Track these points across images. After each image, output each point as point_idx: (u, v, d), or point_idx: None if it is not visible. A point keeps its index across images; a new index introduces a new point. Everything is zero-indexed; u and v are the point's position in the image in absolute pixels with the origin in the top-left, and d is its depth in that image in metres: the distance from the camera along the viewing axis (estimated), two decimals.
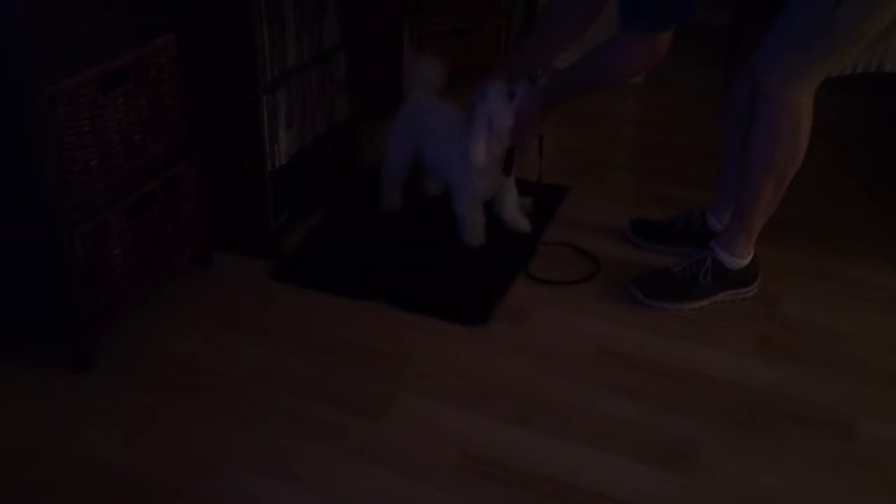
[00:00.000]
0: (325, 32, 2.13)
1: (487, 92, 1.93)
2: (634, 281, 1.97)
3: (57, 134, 1.45)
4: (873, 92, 3.29)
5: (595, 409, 1.63)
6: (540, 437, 1.56)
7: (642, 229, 2.22)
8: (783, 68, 1.72)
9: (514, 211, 2.18)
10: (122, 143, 1.61)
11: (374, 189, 2.32)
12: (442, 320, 1.88)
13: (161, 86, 1.69)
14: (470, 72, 3.27)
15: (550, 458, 1.51)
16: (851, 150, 2.83)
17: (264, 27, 1.83)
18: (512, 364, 1.75)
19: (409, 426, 1.58)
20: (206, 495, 1.41)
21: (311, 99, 2.13)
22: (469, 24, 3.20)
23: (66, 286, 1.56)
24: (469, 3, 3.16)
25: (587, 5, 1.93)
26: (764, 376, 1.73)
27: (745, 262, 1.94)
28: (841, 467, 1.51)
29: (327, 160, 2.29)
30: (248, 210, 2.02)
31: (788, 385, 1.71)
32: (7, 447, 1.50)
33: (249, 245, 2.05)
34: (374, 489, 1.43)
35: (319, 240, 2.17)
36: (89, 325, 1.65)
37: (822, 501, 1.44)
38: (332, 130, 2.27)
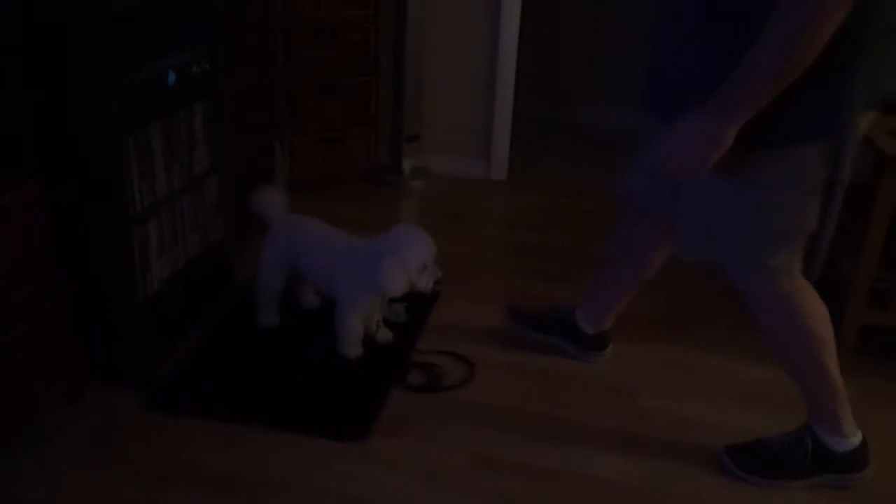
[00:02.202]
0: (196, 159, 2.19)
1: (417, 244, 2.05)
2: (728, 451, 1.89)
3: None
4: None
5: None
6: None
7: (516, 315, 2.34)
8: (748, 265, 1.66)
9: (374, 324, 2.28)
10: None
11: (250, 306, 2.35)
12: (322, 438, 1.92)
13: (27, 230, 1.69)
14: (341, 175, 3.43)
15: None
16: None
17: (133, 164, 1.87)
18: (393, 479, 1.81)
19: None
20: None
21: (184, 224, 2.17)
22: (338, 133, 3.34)
23: None
24: (336, 112, 3.30)
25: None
26: (623, 472, 1.87)
27: (852, 441, 1.82)
28: None
29: (202, 281, 2.31)
30: (121, 341, 2.01)
31: (651, 482, 1.85)
32: None
33: (122, 376, 2.04)
34: None
35: (195, 363, 2.17)
36: None
37: None
38: (205, 251, 2.30)
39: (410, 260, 2.02)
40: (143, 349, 2.03)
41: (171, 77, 1.98)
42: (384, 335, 2.30)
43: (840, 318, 2.38)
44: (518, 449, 1.93)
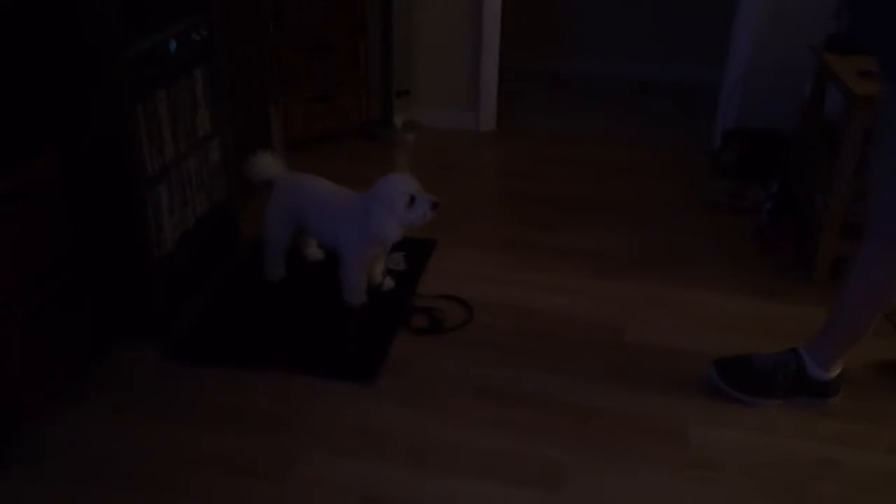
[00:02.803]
0: (199, 123, 2.29)
1: (396, 185, 2.16)
2: (716, 363, 2.03)
3: None
4: (685, 132, 3.78)
5: (477, 446, 1.87)
6: (431, 477, 1.78)
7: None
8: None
9: (380, 274, 2.41)
10: (13, 255, 1.72)
11: (257, 261, 2.48)
12: (334, 380, 2.07)
13: (47, 199, 1.80)
14: (335, 132, 3.53)
15: (442, 495, 1.73)
16: (675, 182, 3.26)
17: (142, 130, 1.98)
18: (401, 414, 1.97)
19: (311, 482, 1.75)
20: None
21: (191, 185, 2.28)
22: (329, 91, 3.43)
23: None
24: (327, 71, 3.38)
25: None
26: (610, 398, 2.03)
27: (832, 374, 1.96)
28: (683, 469, 1.81)
29: (211, 239, 2.43)
30: (140, 298, 2.14)
31: (635, 406, 2.01)
32: None
33: (144, 331, 2.17)
34: None
35: (209, 316, 2.31)
36: None
37: (669, 497, 1.73)
38: (212, 211, 2.42)
39: (395, 201, 2.14)
40: (161, 305, 2.16)
41: (173, 45, 2.08)
42: (388, 284, 2.44)
43: (814, 251, 2.54)
44: (515, 383, 2.08)
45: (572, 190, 3.21)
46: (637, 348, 2.23)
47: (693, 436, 1.91)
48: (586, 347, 2.23)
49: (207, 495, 1.72)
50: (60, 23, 1.81)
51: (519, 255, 2.70)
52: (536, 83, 4.47)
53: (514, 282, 2.54)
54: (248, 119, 2.90)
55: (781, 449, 1.88)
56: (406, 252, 2.61)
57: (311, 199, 2.35)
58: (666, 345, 2.25)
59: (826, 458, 1.86)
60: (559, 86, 4.48)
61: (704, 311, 2.40)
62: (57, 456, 1.82)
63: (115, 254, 2.07)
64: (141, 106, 1.97)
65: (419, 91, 3.69)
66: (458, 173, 3.35)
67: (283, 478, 1.77)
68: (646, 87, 4.42)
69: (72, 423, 1.91)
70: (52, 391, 1.91)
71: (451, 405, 2.00)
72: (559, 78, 4.57)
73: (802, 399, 2.00)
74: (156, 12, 2.02)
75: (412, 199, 2.15)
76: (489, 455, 1.84)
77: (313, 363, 2.13)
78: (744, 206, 3.01)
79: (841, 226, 2.46)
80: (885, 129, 1.72)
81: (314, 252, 2.57)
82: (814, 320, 2.23)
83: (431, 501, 1.71)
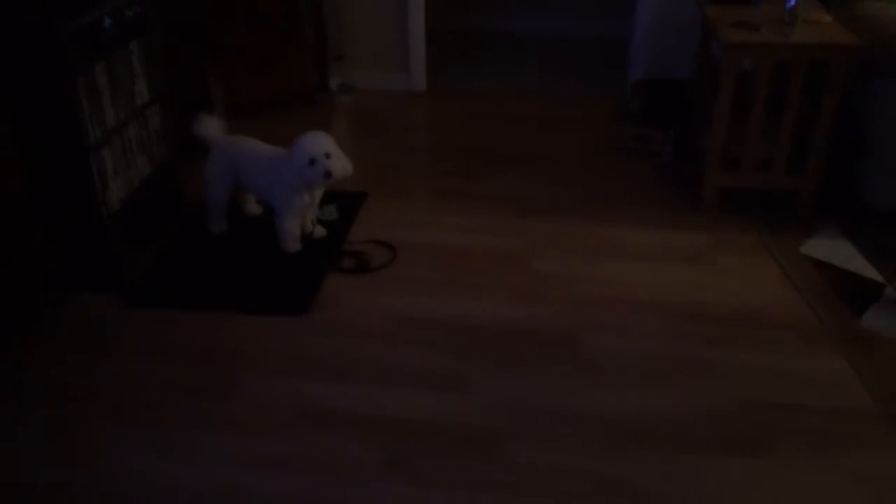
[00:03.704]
0: (137, 92, 2.51)
1: (302, 144, 2.41)
2: None
3: None
4: (602, 85, 4.07)
5: (396, 361, 2.15)
6: (358, 388, 2.06)
7: None
8: None
9: (312, 223, 2.67)
10: None
11: (201, 217, 2.73)
12: (272, 315, 2.34)
13: (2, 165, 2.03)
14: (274, 97, 3.73)
15: (366, 399, 2.01)
16: (592, 131, 3.54)
17: (84, 101, 2.20)
18: (329, 340, 2.25)
19: (256, 397, 2.03)
20: (96, 477, 1.80)
21: (132, 149, 2.51)
22: (267, 57, 3.64)
23: None
24: (264, 39, 3.59)
25: None
26: (515, 316, 2.33)
27: None
28: (570, 370, 2.12)
29: (156, 200, 2.67)
30: (92, 252, 2.37)
31: (535, 321, 2.31)
32: None
33: (99, 282, 2.41)
34: (225, 444, 1.88)
35: (160, 266, 2.56)
36: None
37: (557, 400, 2.03)
38: (155, 173, 2.65)
39: (296, 159, 2.40)
40: (113, 257, 2.40)
41: (108, 21, 2.29)
42: (319, 232, 2.71)
43: (702, 181, 2.85)
44: (432, 310, 2.37)
45: (496, 143, 3.48)
46: (541, 275, 2.53)
47: (583, 343, 2.22)
48: (496, 277, 2.52)
49: (165, 413, 1.98)
50: (3, 6, 2.01)
51: (444, 203, 2.97)
52: (466, 43, 4.71)
53: (437, 225, 2.82)
54: (190, 87, 3.11)
55: (657, 352, 2.19)
56: (338, 204, 2.87)
57: (245, 158, 2.60)
58: (567, 271, 2.55)
59: (695, 357, 2.17)
60: (487, 45, 4.73)
61: (605, 242, 2.70)
62: (23, 388, 2.06)
63: (66, 213, 2.30)
64: (81, 78, 2.19)
65: (353, 55, 3.91)
66: (390, 132, 3.60)
67: (228, 397, 2.04)
68: (566, 43, 4.69)
69: (35, 360, 2.15)
70: (20, 329, 2.15)
71: (373, 331, 2.28)
72: (487, 38, 4.81)
73: None
74: None
75: (313, 161, 2.40)
76: (404, 368, 2.13)
77: (252, 302, 2.39)
78: (649, 149, 3.31)
79: (722, 159, 2.77)
80: None
81: (252, 207, 2.82)
82: (695, 244, 2.54)
83: (353, 405, 2.00)
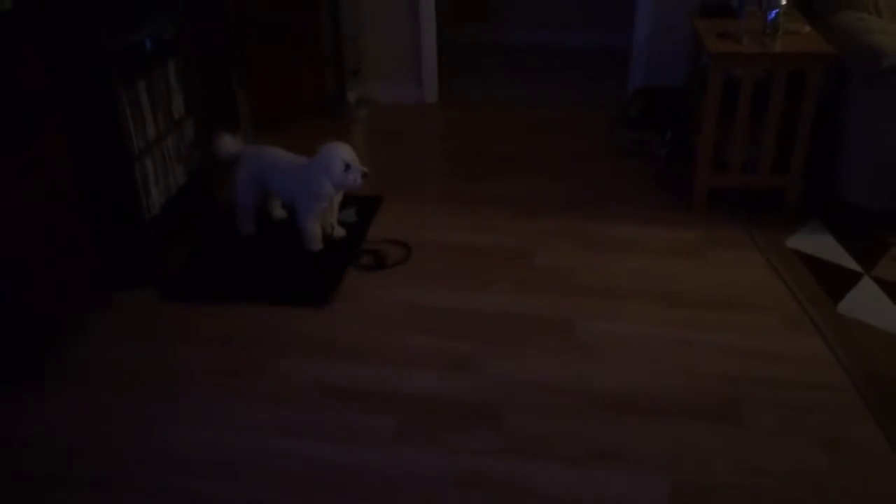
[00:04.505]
0: (174, 107, 2.78)
1: (334, 152, 2.65)
2: None
3: None
4: (602, 92, 4.29)
5: (408, 345, 2.38)
6: (374, 368, 2.29)
7: None
8: None
9: (332, 225, 2.91)
10: (34, 215, 2.21)
11: (231, 219, 2.98)
12: (297, 307, 2.58)
13: (56, 173, 2.29)
14: (296, 110, 3.99)
15: (381, 378, 2.24)
16: (593, 135, 3.76)
17: (128, 115, 2.46)
18: (347, 328, 2.48)
19: (282, 377, 2.27)
20: (139, 443, 2.04)
21: (171, 159, 2.77)
22: (289, 73, 3.90)
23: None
24: (286, 55, 3.85)
25: None
26: (517, 305, 2.55)
27: None
28: (567, 352, 2.34)
29: (191, 204, 2.92)
30: (135, 252, 2.63)
31: (536, 310, 2.53)
32: None
33: (140, 279, 2.67)
34: (257, 415, 2.11)
35: (194, 264, 2.81)
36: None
37: (553, 377, 2.25)
38: (191, 180, 2.91)
39: (332, 166, 2.64)
40: (153, 256, 2.66)
41: (148, 43, 2.55)
42: (339, 232, 2.95)
43: (693, 182, 3.06)
44: (445, 300, 2.60)
45: (502, 148, 3.71)
46: (543, 269, 2.75)
47: (579, 328, 2.43)
48: (501, 271, 2.75)
49: (201, 390, 2.23)
50: (58, 32, 2.28)
51: (454, 205, 3.20)
52: (475, 56, 4.96)
53: (447, 225, 3.05)
54: (218, 102, 3.37)
55: (646, 334, 2.40)
56: (357, 207, 3.11)
57: (271, 165, 2.85)
58: (566, 265, 2.76)
59: (680, 339, 2.38)
60: (494, 57, 4.97)
61: (603, 238, 2.92)
62: (77, 370, 2.32)
63: (113, 216, 2.56)
64: (126, 94, 2.45)
65: (369, 69, 4.17)
66: (404, 141, 3.84)
67: (257, 377, 2.28)
68: (570, 54, 4.92)
69: (87, 347, 2.41)
70: (73, 319, 2.41)
71: (387, 320, 2.51)
72: (494, 50, 5.06)
73: None
74: (133, 17, 2.49)
75: (347, 166, 2.65)
76: (415, 352, 2.36)
77: (278, 295, 2.64)
78: (646, 152, 3.52)
79: (711, 161, 2.98)
80: None
81: (279, 212, 3.07)
82: (686, 240, 2.75)
83: (369, 383, 2.23)
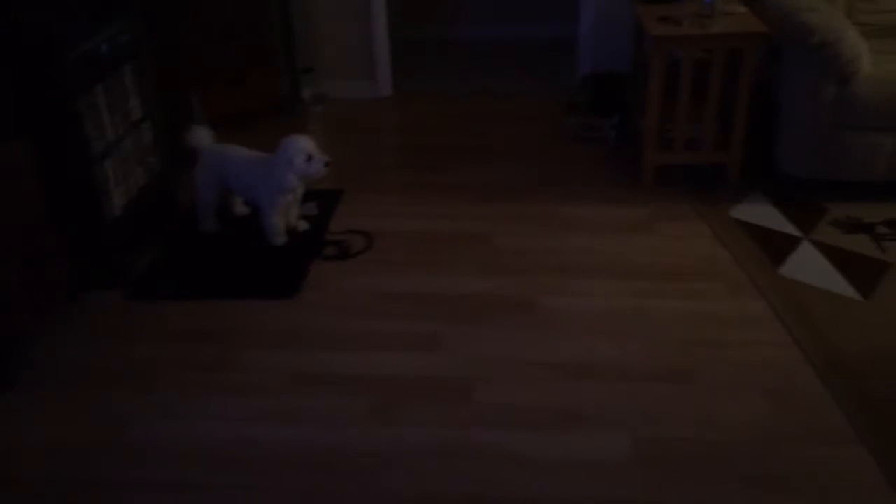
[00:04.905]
0: (132, 109, 2.81)
1: (295, 144, 2.70)
2: None
3: None
4: (553, 81, 4.41)
5: (377, 330, 2.46)
6: (345, 354, 2.36)
7: None
8: None
9: (294, 218, 2.97)
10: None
11: (193, 220, 3.02)
12: (264, 300, 2.64)
13: (20, 176, 2.31)
14: (252, 110, 4.02)
15: (352, 362, 2.32)
16: (545, 123, 3.88)
17: (87, 119, 2.49)
18: (316, 317, 2.55)
19: (254, 366, 2.33)
20: (119, 435, 2.09)
21: (130, 161, 2.80)
22: (243, 74, 3.93)
23: None
24: (240, 56, 3.89)
25: None
26: (480, 286, 2.65)
27: None
28: (530, 327, 2.44)
29: (152, 205, 2.96)
30: (100, 253, 2.66)
31: (498, 290, 2.63)
32: None
33: (107, 280, 2.70)
34: (232, 405, 2.17)
35: (160, 263, 2.85)
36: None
37: (519, 351, 2.35)
38: (151, 182, 2.94)
39: (294, 158, 2.70)
40: (117, 257, 2.69)
41: (104, 47, 2.58)
42: (302, 226, 3.01)
43: (641, 161, 3.19)
44: (410, 285, 2.68)
45: (458, 138, 3.80)
46: (503, 250, 2.85)
47: (540, 304, 2.54)
48: (463, 254, 2.84)
49: (175, 385, 2.28)
50: (16, 39, 2.31)
51: (412, 194, 3.29)
52: (426, 50, 5.05)
53: (407, 214, 3.14)
54: (175, 104, 3.40)
55: (602, 306, 2.52)
56: (318, 200, 3.18)
57: (232, 163, 2.90)
58: (525, 245, 2.87)
59: (634, 308, 2.51)
60: (446, 51, 5.07)
61: (558, 218, 3.04)
62: (50, 374, 2.35)
63: (76, 219, 2.59)
64: (84, 98, 2.48)
65: (322, 66, 4.22)
66: (361, 135, 3.91)
67: (230, 369, 2.34)
68: (520, 46, 5.04)
69: (58, 350, 2.44)
70: (43, 324, 2.44)
71: (355, 307, 2.59)
72: (445, 44, 5.15)
73: None
74: (89, 23, 2.52)
75: (309, 157, 2.71)
76: (384, 335, 2.44)
77: (245, 289, 2.69)
78: (596, 136, 3.65)
79: (657, 141, 3.11)
80: None
81: (240, 209, 3.11)
82: (637, 216, 2.87)
83: (341, 368, 2.31)
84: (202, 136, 2.93)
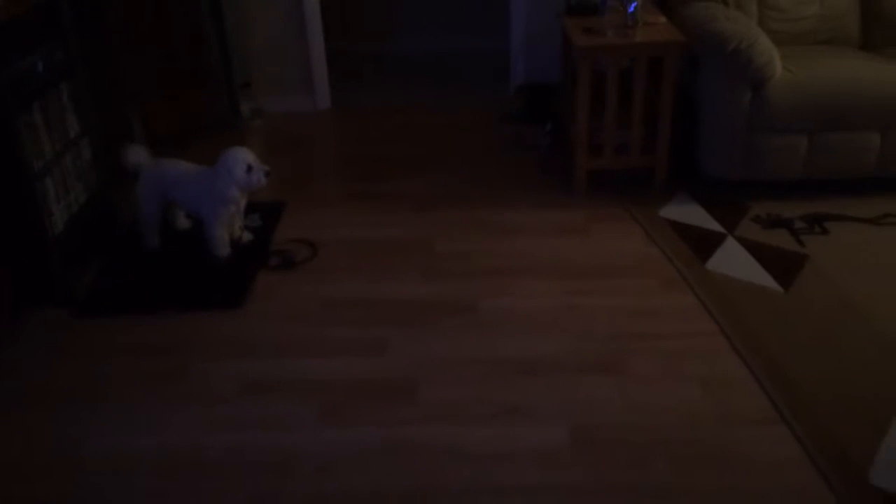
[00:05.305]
0: (69, 126, 2.81)
1: (235, 155, 2.75)
2: None
3: None
4: (489, 93, 4.53)
5: (324, 336, 2.52)
6: (293, 361, 2.41)
7: None
8: None
9: (238, 229, 3.01)
10: None
11: (136, 236, 3.03)
12: (211, 311, 2.66)
13: None
14: (191, 127, 4.04)
15: (301, 370, 2.37)
16: (480, 133, 4.00)
17: (25, 136, 2.49)
18: (264, 326, 2.59)
19: (205, 378, 2.36)
20: (72, 453, 2.09)
21: (70, 178, 2.80)
22: (180, 91, 3.95)
23: None
24: (176, 74, 3.90)
25: None
26: (424, 291, 2.73)
27: None
28: (472, 328, 2.53)
29: (94, 221, 2.96)
30: (43, 270, 2.65)
31: (441, 294, 2.72)
32: None
33: (48, 297, 2.69)
34: (184, 415, 2.20)
35: (104, 280, 2.85)
36: None
37: (461, 351, 2.44)
38: (91, 199, 2.94)
39: (234, 169, 2.75)
40: (60, 274, 2.68)
41: (40, 66, 2.59)
42: (246, 237, 3.05)
43: (574, 167, 3.33)
44: (355, 292, 2.74)
45: (397, 150, 3.89)
46: (444, 256, 2.94)
47: (481, 306, 2.64)
48: (405, 260, 2.92)
49: (126, 398, 2.29)
50: None
51: (354, 205, 3.36)
52: (366, 64, 5.13)
53: (350, 224, 3.20)
54: (114, 122, 3.40)
55: (541, 305, 2.63)
56: (261, 212, 3.22)
57: (173, 177, 2.92)
58: (466, 250, 2.97)
59: (570, 307, 2.62)
60: (385, 65, 5.16)
61: (495, 224, 3.14)
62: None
63: (17, 236, 2.58)
64: (22, 116, 2.48)
65: (260, 81, 4.26)
66: (302, 147, 3.97)
67: (180, 380, 2.36)
68: (455, 58, 5.17)
69: (4, 370, 2.42)
70: None
71: (301, 315, 2.64)
72: (381, 58, 5.24)
73: None
74: (23, 42, 2.52)
75: (249, 168, 2.76)
76: (331, 342, 2.50)
77: (191, 302, 2.72)
78: (530, 144, 3.78)
79: (587, 147, 3.25)
80: None
81: (182, 222, 3.13)
82: (571, 219, 3.00)
83: (290, 375, 2.36)
84: (139, 154, 2.95)
